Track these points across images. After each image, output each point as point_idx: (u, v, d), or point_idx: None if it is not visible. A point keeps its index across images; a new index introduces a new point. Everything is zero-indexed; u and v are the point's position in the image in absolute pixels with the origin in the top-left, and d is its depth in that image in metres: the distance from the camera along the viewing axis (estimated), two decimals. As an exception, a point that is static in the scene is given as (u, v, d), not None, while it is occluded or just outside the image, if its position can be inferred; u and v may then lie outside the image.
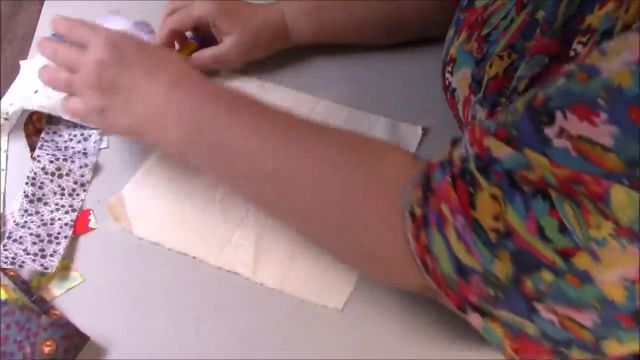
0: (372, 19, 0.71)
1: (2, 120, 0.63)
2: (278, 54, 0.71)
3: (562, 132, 0.34)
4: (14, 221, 0.56)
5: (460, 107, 0.59)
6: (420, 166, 0.44)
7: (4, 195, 0.59)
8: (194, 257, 0.56)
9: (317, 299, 0.54)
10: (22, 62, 0.67)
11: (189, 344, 0.51)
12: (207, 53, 0.69)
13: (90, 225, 0.58)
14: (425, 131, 0.66)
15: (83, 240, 0.57)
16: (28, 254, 0.53)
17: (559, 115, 0.35)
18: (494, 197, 0.37)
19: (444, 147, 0.44)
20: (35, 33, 0.75)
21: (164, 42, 0.69)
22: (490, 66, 0.54)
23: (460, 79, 0.58)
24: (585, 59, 0.36)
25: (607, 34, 0.37)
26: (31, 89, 0.66)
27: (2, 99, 0.65)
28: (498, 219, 0.37)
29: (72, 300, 0.53)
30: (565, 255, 0.35)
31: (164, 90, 0.51)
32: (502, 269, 0.38)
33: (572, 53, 0.43)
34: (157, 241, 0.57)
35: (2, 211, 0.57)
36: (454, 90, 0.59)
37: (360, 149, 0.48)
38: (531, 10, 0.51)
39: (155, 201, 0.60)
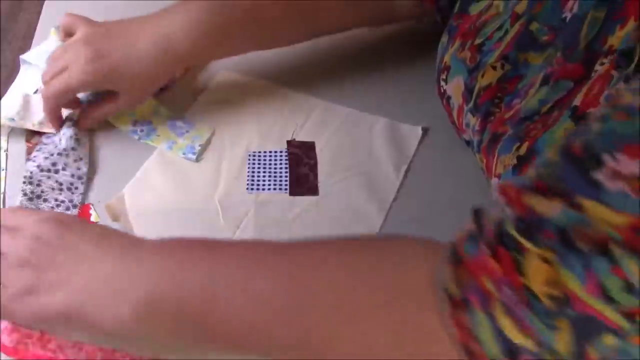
0: (284, 16, 0.65)
1: (2, 120, 0.62)
2: (276, 53, 0.71)
3: (614, 174, 0.31)
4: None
5: (455, 114, 0.59)
6: (442, 245, 0.39)
7: (4, 195, 0.59)
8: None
9: None
10: (21, 57, 0.67)
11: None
12: (98, 113, 0.64)
13: (92, 219, 0.57)
14: (425, 131, 0.66)
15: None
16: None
17: (606, 158, 0.32)
18: (545, 260, 0.33)
19: (465, 220, 0.40)
20: (35, 33, 0.75)
21: (53, 118, 0.62)
22: (483, 76, 0.54)
23: (454, 87, 0.58)
24: (616, 101, 0.34)
25: (626, 54, 0.37)
26: (31, 89, 0.66)
27: (2, 99, 0.65)
28: (552, 283, 0.33)
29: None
30: (631, 316, 0.32)
31: (111, 263, 0.42)
32: (562, 340, 0.33)
33: (594, 74, 0.42)
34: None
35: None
36: (449, 97, 0.60)
37: (373, 266, 0.41)
38: (525, 21, 0.51)
39: (155, 201, 0.60)
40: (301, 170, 0.62)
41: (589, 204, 0.32)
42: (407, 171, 0.62)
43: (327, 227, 0.58)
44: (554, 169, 0.35)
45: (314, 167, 0.62)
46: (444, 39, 0.61)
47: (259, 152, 0.64)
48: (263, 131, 0.66)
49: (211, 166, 0.63)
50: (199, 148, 0.63)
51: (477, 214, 0.39)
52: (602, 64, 0.41)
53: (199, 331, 0.40)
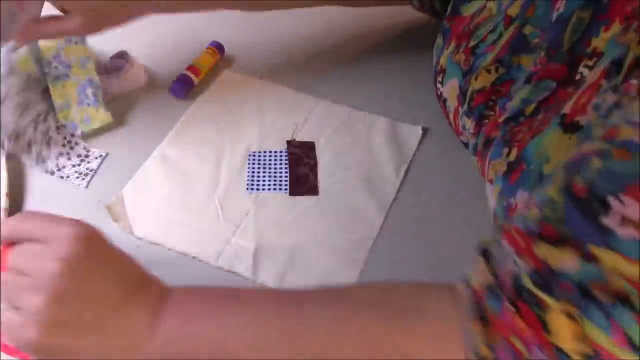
0: None
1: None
2: (277, 53, 0.71)
3: (623, 219, 0.31)
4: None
5: (451, 117, 0.60)
6: (460, 294, 0.39)
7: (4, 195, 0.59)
8: (194, 257, 0.56)
9: None
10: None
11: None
12: (51, 26, 0.59)
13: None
14: (425, 131, 0.66)
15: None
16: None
17: (612, 201, 0.31)
18: (567, 314, 0.33)
19: (476, 266, 0.39)
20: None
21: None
22: (476, 79, 0.54)
23: (450, 89, 0.58)
24: (613, 133, 0.33)
25: (617, 64, 0.36)
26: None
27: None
28: (580, 339, 0.33)
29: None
30: None
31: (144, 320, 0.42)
32: None
33: (578, 76, 0.42)
34: (157, 241, 0.57)
35: (1, 210, 0.57)
36: (445, 100, 0.60)
37: (392, 321, 0.41)
38: (519, 25, 0.51)
39: (155, 201, 0.60)
40: (301, 170, 0.62)
41: (602, 254, 0.32)
42: (407, 171, 0.62)
43: (327, 227, 0.58)
44: (560, 213, 0.34)
45: (313, 167, 0.62)
46: (439, 41, 0.61)
47: (259, 152, 0.64)
48: (263, 131, 0.66)
49: (211, 166, 0.63)
50: (83, 130, 0.62)
51: (488, 260, 0.38)
52: (587, 66, 0.41)
53: None
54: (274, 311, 0.43)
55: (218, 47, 0.73)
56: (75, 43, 0.66)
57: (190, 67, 0.70)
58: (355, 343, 0.40)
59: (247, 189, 0.61)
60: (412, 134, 0.65)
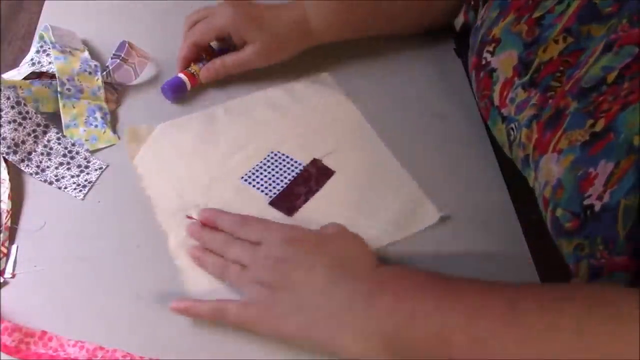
0: (402, 6, 0.70)
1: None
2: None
3: None
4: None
5: (497, 87, 0.59)
6: None
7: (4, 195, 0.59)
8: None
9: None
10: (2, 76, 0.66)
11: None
12: (231, 58, 0.68)
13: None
14: (443, 219, 0.57)
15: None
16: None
17: None
18: None
19: None
20: (35, 33, 0.75)
21: (187, 56, 0.68)
22: (544, 50, 0.54)
23: (504, 60, 0.58)
24: None
25: None
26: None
27: None
28: None
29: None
30: None
31: (345, 294, 0.46)
32: None
33: None
34: (145, 179, 0.61)
35: (1, 211, 0.58)
36: (493, 70, 0.59)
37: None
38: None
39: (168, 160, 0.63)
40: (298, 189, 0.60)
41: None
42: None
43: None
44: None
45: (311, 193, 0.60)
46: (494, 13, 0.61)
47: (282, 154, 0.63)
48: (301, 140, 0.64)
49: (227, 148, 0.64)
50: (88, 148, 0.63)
51: None
52: None
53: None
54: (489, 303, 0.42)
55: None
56: (89, 74, 0.66)
57: (187, 72, 0.68)
58: (572, 345, 0.39)
59: (242, 178, 0.61)
60: (428, 215, 0.58)
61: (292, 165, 0.62)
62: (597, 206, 0.45)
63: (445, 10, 0.74)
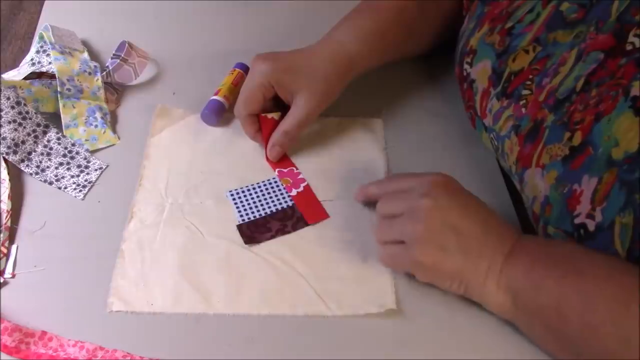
0: (428, 27, 0.69)
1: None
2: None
3: None
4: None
5: (478, 98, 0.59)
6: None
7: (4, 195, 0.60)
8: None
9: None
10: (2, 75, 0.66)
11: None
12: (288, 122, 0.62)
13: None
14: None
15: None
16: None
17: None
18: None
19: None
20: (35, 33, 0.75)
21: (252, 128, 0.63)
22: (514, 60, 0.54)
23: (480, 70, 0.59)
24: None
25: None
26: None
27: None
28: None
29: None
30: None
31: (492, 250, 0.49)
32: None
33: (629, 47, 0.43)
34: (149, 158, 0.62)
35: (1, 211, 0.58)
36: (473, 81, 0.60)
37: None
38: (557, 3, 0.52)
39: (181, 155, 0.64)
40: (272, 224, 0.58)
41: None
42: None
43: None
44: None
45: (280, 232, 0.57)
46: (471, 24, 0.61)
47: (280, 183, 0.62)
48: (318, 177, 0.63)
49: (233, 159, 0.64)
50: (87, 148, 0.63)
51: None
52: (637, 35, 0.42)
53: (559, 340, 0.46)
54: (607, 292, 0.43)
55: (243, 69, 0.70)
56: (89, 74, 0.66)
57: (220, 92, 0.67)
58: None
59: (230, 192, 0.60)
60: (382, 303, 0.53)
61: (282, 197, 0.60)
62: (591, 225, 0.45)
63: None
